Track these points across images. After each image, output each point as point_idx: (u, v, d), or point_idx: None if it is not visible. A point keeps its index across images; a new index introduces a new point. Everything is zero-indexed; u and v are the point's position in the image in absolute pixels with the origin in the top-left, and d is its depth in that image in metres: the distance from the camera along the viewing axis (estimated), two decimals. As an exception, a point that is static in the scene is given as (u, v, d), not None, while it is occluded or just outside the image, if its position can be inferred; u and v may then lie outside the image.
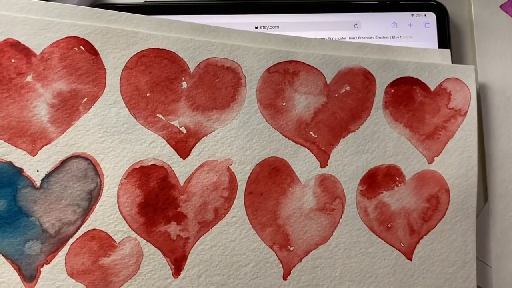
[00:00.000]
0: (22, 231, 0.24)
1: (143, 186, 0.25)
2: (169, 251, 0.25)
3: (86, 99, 0.25)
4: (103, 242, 0.24)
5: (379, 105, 0.28)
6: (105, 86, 0.25)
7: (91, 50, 0.25)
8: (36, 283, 0.24)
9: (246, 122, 0.26)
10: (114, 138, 0.25)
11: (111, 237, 0.25)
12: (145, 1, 0.31)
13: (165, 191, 0.25)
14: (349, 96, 0.28)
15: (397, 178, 0.27)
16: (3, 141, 0.24)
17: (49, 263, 0.24)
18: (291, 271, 0.26)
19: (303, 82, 0.27)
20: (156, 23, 0.26)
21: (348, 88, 0.28)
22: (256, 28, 0.31)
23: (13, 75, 0.25)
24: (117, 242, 0.25)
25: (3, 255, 0.24)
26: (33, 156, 0.24)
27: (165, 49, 0.26)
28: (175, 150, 0.26)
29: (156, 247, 0.25)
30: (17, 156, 0.24)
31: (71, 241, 0.24)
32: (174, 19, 0.27)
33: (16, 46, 0.25)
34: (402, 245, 0.27)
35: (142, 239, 0.25)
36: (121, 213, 0.25)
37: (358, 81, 0.28)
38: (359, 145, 0.27)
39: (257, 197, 0.26)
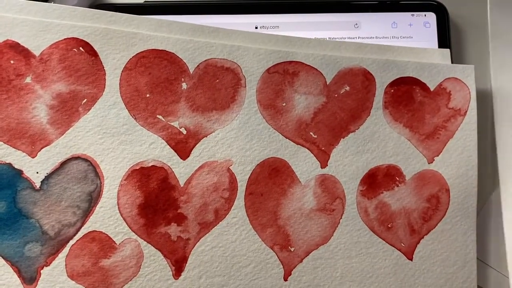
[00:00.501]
0: (21, 233, 0.24)
1: (143, 187, 0.25)
2: (170, 252, 0.25)
3: (85, 100, 0.25)
4: (103, 244, 0.24)
5: (379, 105, 0.28)
6: (104, 87, 0.25)
7: (91, 51, 0.25)
8: (36, 285, 0.24)
9: (246, 122, 0.26)
10: (114, 139, 0.25)
11: (111, 239, 0.25)
12: (145, 1, 0.31)
13: (165, 192, 0.25)
14: (349, 96, 0.28)
15: (397, 178, 0.27)
16: (2, 142, 0.24)
17: (49, 265, 0.24)
18: (292, 272, 0.26)
19: (303, 83, 0.27)
20: (156, 24, 0.26)
21: (348, 88, 0.28)
22: (256, 28, 0.30)
23: (12, 76, 0.24)
24: (117, 244, 0.25)
25: (2, 257, 0.24)
26: (33, 157, 0.24)
27: (165, 50, 0.26)
28: (175, 151, 0.26)
29: (156, 249, 0.25)
30: (17, 158, 0.24)
31: (71, 242, 0.24)
32: (173, 20, 0.27)
33: (15, 47, 0.25)
34: (403, 245, 0.27)
35: (142, 240, 0.25)
36: (121, 215, 0.25)
37: (358, 81, 0.28)
38: (359, 145, 0.27)
39: (257, 198, 0.26)
